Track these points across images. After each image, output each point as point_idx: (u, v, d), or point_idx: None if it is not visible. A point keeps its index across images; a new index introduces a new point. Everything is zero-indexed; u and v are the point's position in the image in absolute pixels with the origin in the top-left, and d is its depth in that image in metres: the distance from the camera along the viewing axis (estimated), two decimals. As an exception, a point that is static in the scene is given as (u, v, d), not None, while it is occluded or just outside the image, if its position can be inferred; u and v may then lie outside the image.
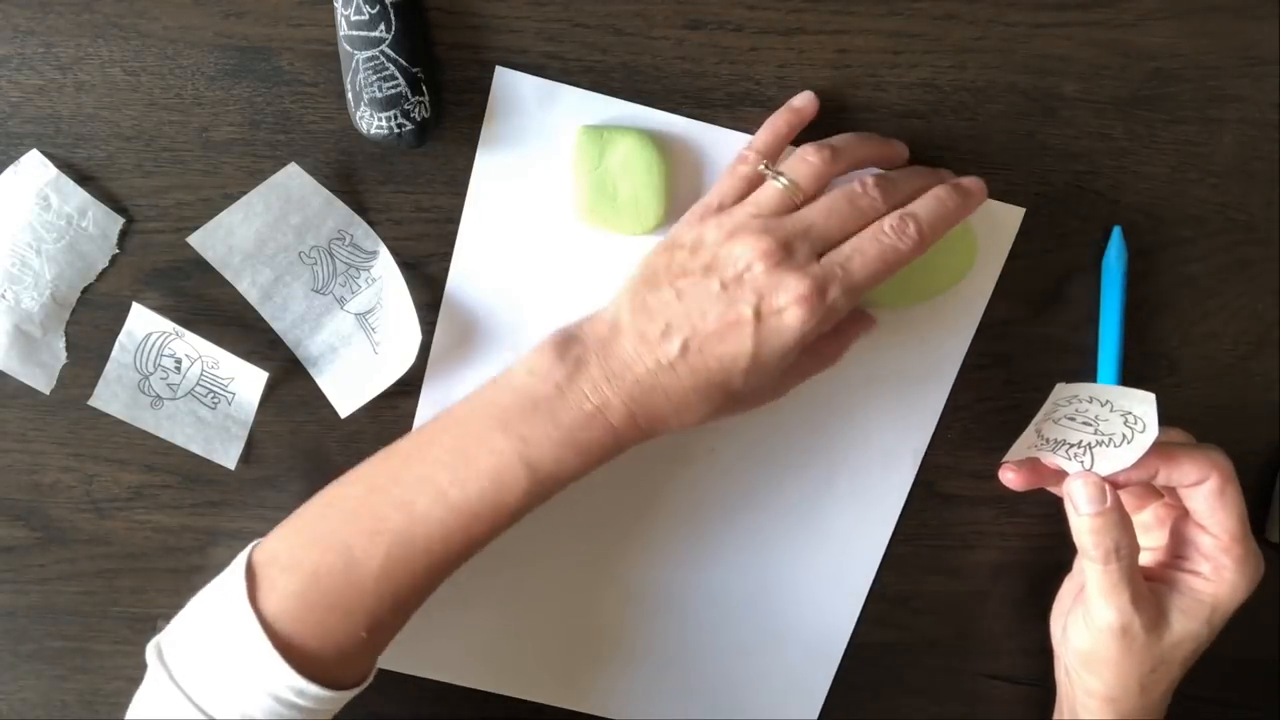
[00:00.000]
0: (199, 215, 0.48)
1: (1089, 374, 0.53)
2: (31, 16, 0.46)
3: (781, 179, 0.42)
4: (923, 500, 0.55)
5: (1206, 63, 0.49)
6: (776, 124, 0.46)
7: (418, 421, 0.52)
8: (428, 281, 0.50)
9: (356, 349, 0.50)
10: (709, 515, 0.54)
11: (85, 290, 0.49)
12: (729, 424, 0.52)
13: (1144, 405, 0.45)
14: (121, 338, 0.48)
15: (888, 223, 0.42)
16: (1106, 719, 0.48)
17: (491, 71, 0.47)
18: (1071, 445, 0.46)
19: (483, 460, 0.42)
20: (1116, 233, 0.50)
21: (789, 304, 0.40)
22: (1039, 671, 0.59)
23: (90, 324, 0.50)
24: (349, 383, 0.50)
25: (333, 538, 0.42)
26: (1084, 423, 0.46)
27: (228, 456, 0.51)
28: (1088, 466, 0.45)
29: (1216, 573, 0.45)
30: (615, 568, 0.55)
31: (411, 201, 0.49)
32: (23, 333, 0.48)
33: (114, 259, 0.49)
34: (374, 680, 0.55)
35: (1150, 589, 0.46)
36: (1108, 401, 0.46)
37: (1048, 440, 0.48)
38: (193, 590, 0.54)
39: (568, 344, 0.43)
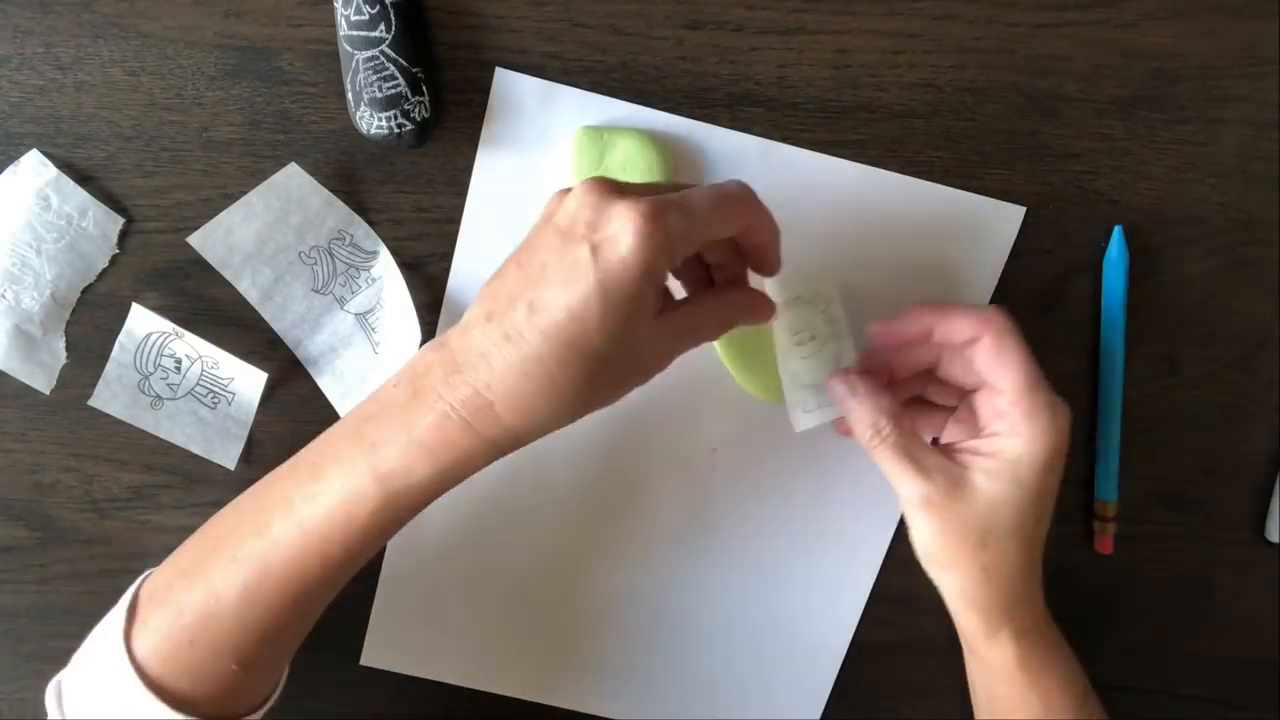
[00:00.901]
0: (199, 215, 0.48)
1: (1090, 375, 0.53)
2: (31, 16, 0.46)
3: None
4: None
5: (1207, 63, 0.49)
6: None
7: None
8: (428, 281, 0.50)
9: (356, 349, 0.50)
10: (711, 516, 0.54)
11: (85, 290, 0.49)
12: (730, 424, 0.52)
13: (828, 286, 0.48)
14: (121, 338, 0.48)
15: (735, 184, 0.40)
16: (973, 626, 0.47)
17: (491, 71, 0.47)
18: (821, 366, 0.48)
19: (332, 472, 0.39)
20: (1118, 232, 0.50)
21: (622, 228, 0.36)
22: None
23: (90, 324, 0.50)
24: (349, 383, 0.50)
25: (200, 569, 0.41)
26: (810, 337, 0.48)
27: (228, 457, 0.51)
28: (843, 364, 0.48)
29: (1011, 429, 0.44)
30: (617, 568, 0.55)
31: (411, 201, 0.49)
32: (23, 333, 0.48)
33: (114, 259, 0.49)
34: (374, 680, 0.56)
35: (954, 459, 0.45)
36: (796, 298, 0.48)
37: (808, 385, 0.49)
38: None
39: (430, 350, 0.40)
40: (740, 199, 0.40)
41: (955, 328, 0.45)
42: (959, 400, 0.49)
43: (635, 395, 0.40)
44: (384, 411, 0.39)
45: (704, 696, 0.57)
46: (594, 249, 0.36)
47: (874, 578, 0.56)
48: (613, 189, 0.37)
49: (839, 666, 0.57)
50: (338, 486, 0.39)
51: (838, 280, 0.49)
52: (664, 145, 0.48)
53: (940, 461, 0.45)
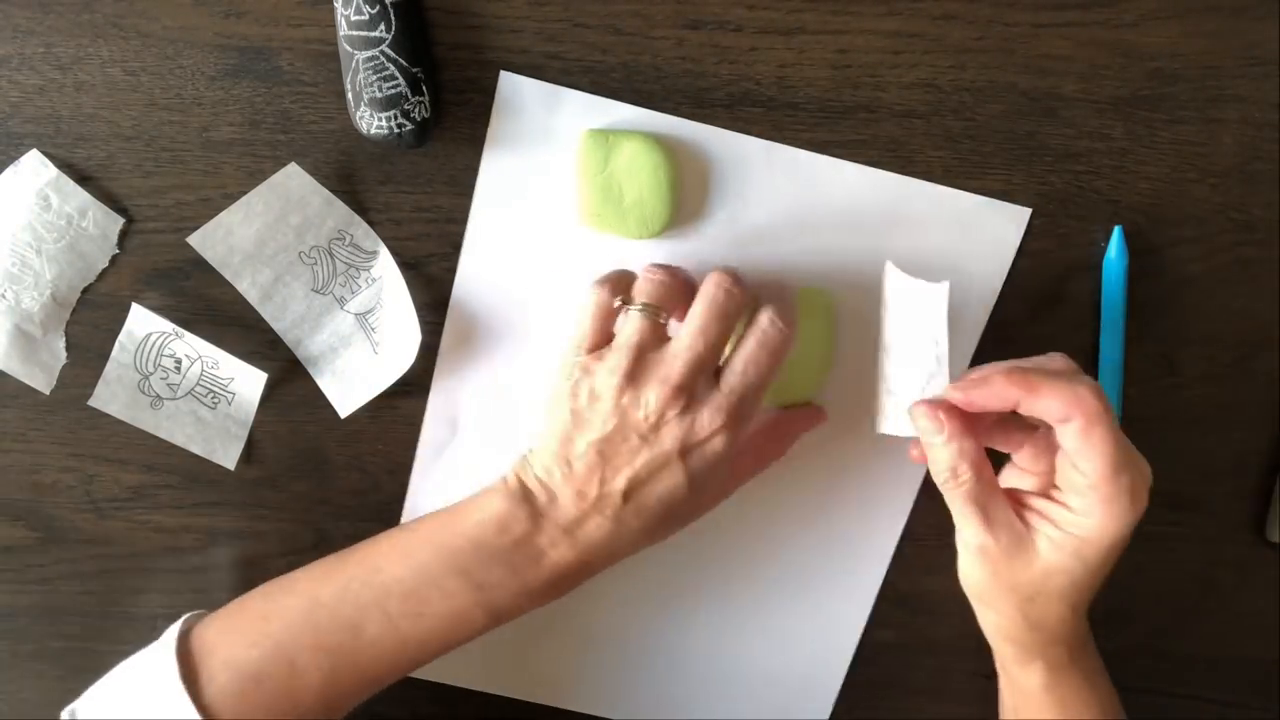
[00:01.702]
0: (199, 215, 0.48)
1: (1091, 374, 0.53)
2: (31, 16, 0.46)
3: (637, 306, 0.43)
4: (923, 500, 0.55)
5: (1206, 63, 0.49)
6: (627, 272, 0.46)
7: (426, 426, 0.52)
8: (428, 282, 0.50)
9: (356, 349, 0.50)
10: (719, 517, 0.54)
11: (85, 290, 0.49)
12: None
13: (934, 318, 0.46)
14: (121, 338, 0.48)
15: (764, 319, 0.44)
16: (1006, 653, 0.49)
17: (491, 71, 0.47)
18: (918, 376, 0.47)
19: (438, 601, 0.43)
20: (1118, 233, 0.50)
21: (710, 436, 0.42)
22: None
23: (90, 324, 0.49)
24: (349, 383, 0.50)
25: (276, 646, 0.43)
26: (913, 354, 0.47)
27: (228, 457, 0.51)
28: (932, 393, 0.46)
29: (1086, 509, 0.43)
30: (623, 567, 0.54)
31: (411, 201, 0.49)
32: (23, 333, 0.48)
33: (114, 259, 0.49)
34: None
35: (1023, 515, 0.45)
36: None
37: (897, 396, 0.47)
38: (192, 590, 0.54)
39: (521, 500, 0.44)
40: (782, 338, 0.44)
41: (1045, 408, 0.42)
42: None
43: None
44: (487, 554, 0.44)
45: (711, 698, 0.57)
46: (683, 453, 0.42)
47: (882, 578, 0.56)
48: (687, 395, 0.42)
49: (848, 666, 0.57)
50: (444, 612, 0.43)
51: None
52: (669, 148, 0.48)
53: (1008, 517, 0.44)
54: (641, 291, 0.44)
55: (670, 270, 0.45)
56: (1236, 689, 0.59)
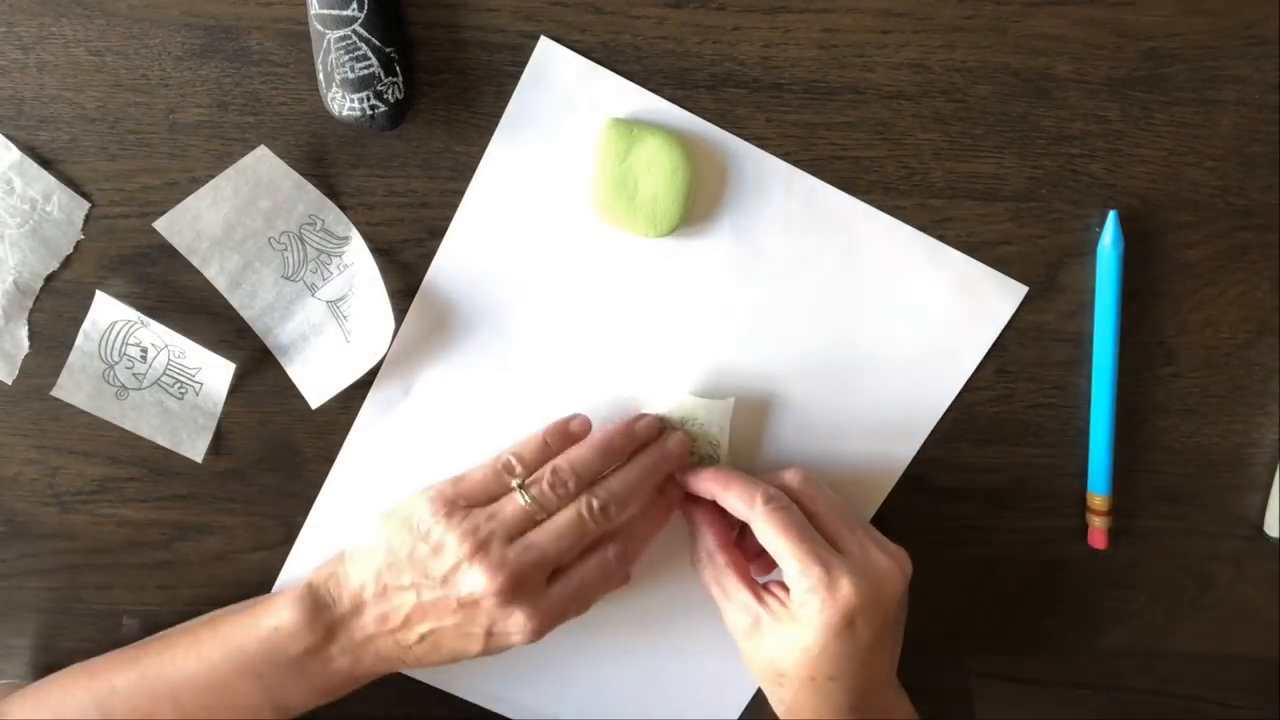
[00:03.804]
0: (165, 200, 0.46)
1: (1085, 363, 0.52)
2: (-9, -6, 0.45)
3: (527, 497, 0.45)
4: (912, 494, 0.53)
5: (1204, 42, 0.48)
6: (548, 442, 0.47)
7: (378, 383, 0.50)
8: (401, 268, 0.49)
9: (327, 338, 0.49)
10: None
11: (50, 277, 0.48)
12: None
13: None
14: (85, 326, 0.47)
15: (611, 552, 0.46)
16: None
17: (466, 51, 0.46)
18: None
19: (230, 698, 0.46)
20: (1113, 217, 0.49)
21: (515, 632, 0.45)
22: (1033, 669, 0.58)
23: (54, 312, 0.48)
24: (320, 372, 0.49)
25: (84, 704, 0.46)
26: (696, 460, 0.50)
27: (195, 448, 0.49)
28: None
29: (797, 599, 0.45)
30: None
31: (385, 185, 0.48)
32: (-16, 321, 0.47)
33: (78, 245, 0.47)
34: (374, 681, 0.54)
35: (761, 597, 0.46)
36: (684, 420, 0.50)
37: None
38: (158, 586, 0.53)
39: (317, 610, 0.46)
40: (619, 575, 0.48)
41: (730, 503, 0.47)
42: None
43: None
44: (277, 660, 0.46)
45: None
46: (489, 634, 0.45)
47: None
48: (515, 587, 0.43)
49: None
50: (235, 707, 0.46)
51: (730, 409, 0.50)
52: (690, 150, 0.47)
53: (745, 599, 0.47)
54: (539, 489, 0.45)
55: (574, 484, 0.46)
56: (1236, 688, 0.58)
